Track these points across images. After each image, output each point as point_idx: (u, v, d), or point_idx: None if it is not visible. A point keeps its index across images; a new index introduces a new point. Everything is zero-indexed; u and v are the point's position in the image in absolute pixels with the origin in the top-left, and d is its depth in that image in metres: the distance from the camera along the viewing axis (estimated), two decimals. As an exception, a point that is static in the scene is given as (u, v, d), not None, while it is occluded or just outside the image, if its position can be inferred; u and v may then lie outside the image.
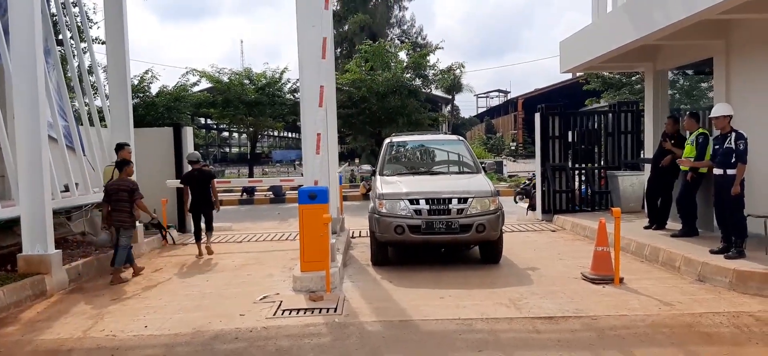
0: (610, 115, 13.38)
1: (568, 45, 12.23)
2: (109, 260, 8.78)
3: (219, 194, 10.40)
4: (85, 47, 11.98)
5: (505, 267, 8.21)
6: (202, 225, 10.03)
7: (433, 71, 26.08)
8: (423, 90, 25.92)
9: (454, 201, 7.92)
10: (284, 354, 5.06)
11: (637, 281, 7.12)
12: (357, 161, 29.50)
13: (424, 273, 7.95)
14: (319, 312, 6.17)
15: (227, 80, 24.77)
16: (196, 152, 11.02)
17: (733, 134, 7.34)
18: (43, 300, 7.09)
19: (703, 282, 6.97)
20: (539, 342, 5.21)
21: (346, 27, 48.52)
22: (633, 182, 11.90)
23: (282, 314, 6.16)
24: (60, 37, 11.83)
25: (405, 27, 55.49)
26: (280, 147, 62.08)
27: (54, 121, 9.40)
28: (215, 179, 10.38)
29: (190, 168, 10.19)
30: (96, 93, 12.41)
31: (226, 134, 59.29)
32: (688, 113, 9.33)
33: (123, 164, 8.55)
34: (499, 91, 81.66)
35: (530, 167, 26.55)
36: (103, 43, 12.13)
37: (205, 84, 25.70)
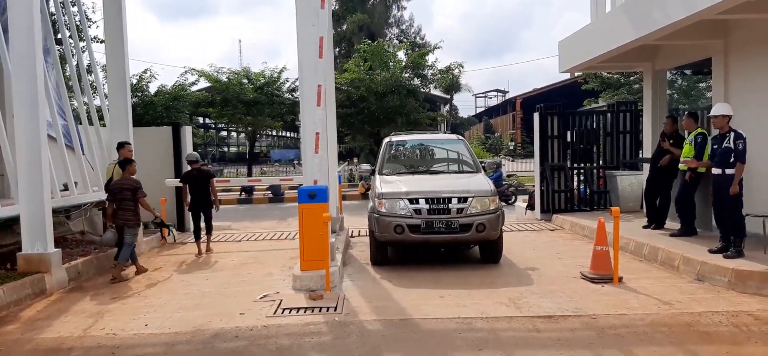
0: (609, 115, 13.41)
1: (567, 45, 12.25)
2: (108, 259, 8.81)
3: (218, 194, 10.43)
4: (84, 46, 11.98)
5: (504, 267, 8.22)
6: (202, 225, 10.10)
7: (431, 71, 26.12)
8: (421, 90, 25.96)
9: (454, 201, 7.90)
10: (284, 353, 5.07)
11: (636, 280, 7.14)
12: (355, 160, 29.50)
13: (424, 272, 7.96)
14: (319, 311, 6.18)
15: (226, 80, 24.80)
16: (195, 152, 11.09)
17: (732, 134, 7.37)
18: (43, 299, 7.08)
19: (702, 282, 6.99)
20: (539, 341, 5.22)
21: (345, 27, 48.49)
22: (631, 182, 11.93)
23: (282, 313, 6.17)
24: (59, 36, 11.82)
25: (403, 27, 55.49)
26: (279, 147, 62.09)
27: (53, 120, 9.39)
28: (214, 179, 10.43)
29: (189, 168, 10.21)
30: (95, 92, 12.40)
31: (224, 133, 59.29)
32: (686, 112, 9.35)
33: (126, 163, 8.60)
34: (497, 91, 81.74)
35: (529, 167, 26.58)
36: (102, 42, 12.14)
37: (203, 83, 25.74)
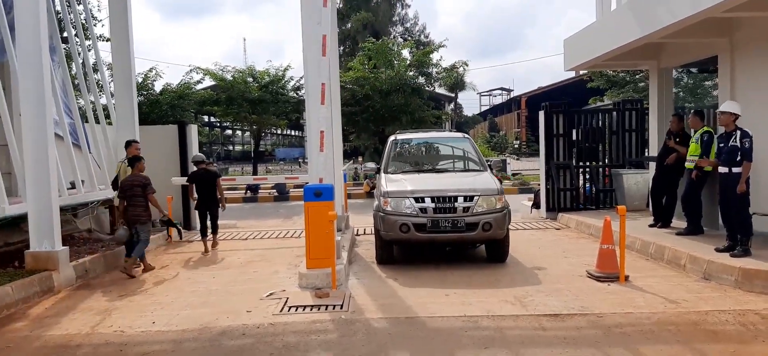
0: (615, 113, 13.37)
1: (573, 43, 12.23)
2: (115, 256, 8.89)
3: (224, 192, 10.51)
4: (89, 45, 12.02)
5: (510, 265, 8.21)
6: (208, 223, 10.21)
7: (436, 69, 26.12)
8: (426, 88, 25.93)
9: (460, 199, 7.86)
10: (291, 350, 5.09)
11: (642, 279, 7.13)
12: (360, 159, 29.54)
13: (429, 270, 7.96)
14: (326, 309, 6.20)
15: (231, 78, 24.82)
16: (200, 153, 11.17)
17: (739, 132, 7.35)
18: (51, 297, 7.12)
19: (708, 280, 6.98)
20: (545, 339, 5.22)
21: (349, 25, 48.51)
22: (637, 181, 11.90)
23: (288, 310, 6.19)
24: (65, 34, 11.87)
25: (408, 25, 55.46)
26: (284, 145, 62.17)
27: (60, 118, 9.45)
28: (220, 178, 10.50)
29: (195, 169, 10.31)
30: (101, 91, 12.47)
31: (229, 132, 59.39)
32: (692, 111, 9.32)
33: (135, 161, 8.68)
34: (502, 89, 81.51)
35: (534, 165, 26.54)
36: (107, 40, 12.20)
37: (208, 82, 25.76)
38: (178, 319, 6.02)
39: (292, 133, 64.43)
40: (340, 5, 47.64)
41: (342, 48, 45.66)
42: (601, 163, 13.38)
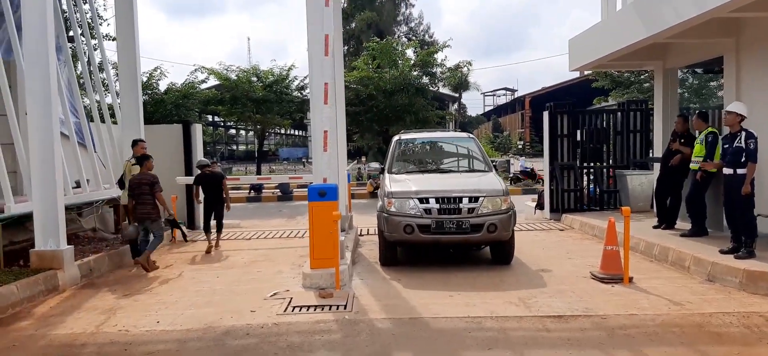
0: (619, 113, 13.35)
1: (577, 43, 12.22)
2: (119, 255, 8.94)
3: (229, 193, 10.67)
4: (95, 44, 12.06)
5: (514, 266, 8.20)
6: (213, 222, 10.31)
7: (440, 69, 26.07)
8: (430, 88, 25.90)
9: (465, 200, 7.78)
10: (295, 350, 5.10)
11: (646, 280, 7.11)
12: (364, 159, 29.53)
13: (433, 270, 7.97)
14: (329, 309, 6.21)
15: (235, 78, 24.85)
16: (204, 158, 11.30)
17: (744, 133, 7.33)
18: (56, 295, 7.15)
19: (712, 282, 6.96)
20: (549, 340, 5.22)
21: (353, 24, 48.51)
22: (642, 182, 11.88)
23: (292, 310, 6.20)
24: (71, 34, 11.92)
25: (412, 24, 55.43)
26: (287, 145, 62.25)
27: (65, 118, 9.49)
28: (225, 179, 10.66)
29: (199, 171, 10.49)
30: (106, 90, 12.51)
31: (233, 131, 59.50)
32: (696, 113, 9.29)
33: (143, 159, 8.77)
34: (506, 89, 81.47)
35: (538, 166, 26.49)
36: (113, 40, 12.24)
37: (213, 81, 25.81)
38: (182, 319, 6.04)
39: (296, 133, 64.54)
40: (345, 5, 47.68)
41: (346, 48, 45.62)
42: (605, 164, 13.35)
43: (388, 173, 9.17)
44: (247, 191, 21.63)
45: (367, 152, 30.23)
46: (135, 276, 8.20)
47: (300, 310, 6.21)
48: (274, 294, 6.88)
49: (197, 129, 13.07)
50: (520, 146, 54.38)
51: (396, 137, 10.33)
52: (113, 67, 15.18)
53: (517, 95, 74.21)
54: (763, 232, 7.57)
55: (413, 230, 7.72)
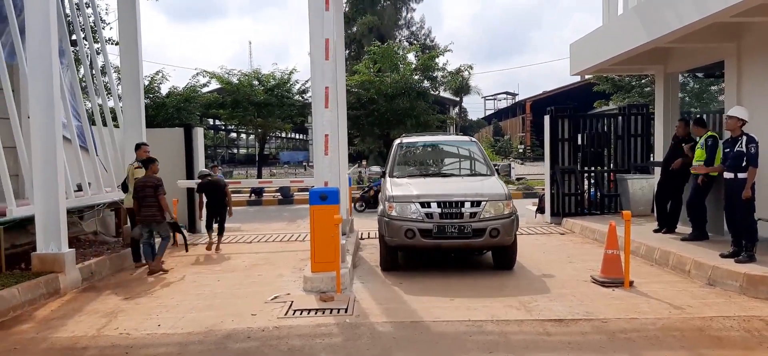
0: (620, 118, 13.36)
1: (579, 48, 12.24)
2: (120, 259, 8.96)
3: (232, 201, 11.01)
4: (98, 48, 12.10)
5: (514, 270, 8.18)
6: (215, 225, 10.56)
7: (441, 73, 26.11)
8: (431, 92, 25.94)
9: (467, 205, 7.69)
10: (296, 354, 5.11)
11: (647, 284, 7.12)
12: (364, 162, 29.56)
13: (434, 274, 7.96)
14: (330, 313, 6.21)
15: (236, 81, 24.91)
16: (205, 169, 11.51)
17: (745, 138, 7.34)
18: (57, 299, 7.16)
19: (713, 286, 6.96)
20: (549, 344, 5.23)
21: (355, 28, 48.63)
22: (643, 186, 11.88)
23: (293, 314, 6.21)
24: (73, 37, 11.96)
25: (413, 28, 55.55)
26: (288, 148, 62.28)
27: (68, 121, 9.52)
28: (227, 187, 10.90)
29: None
30: (109, 93, 12.53)
31: (234, 135, 59.53)
32: (693, 121, 9.31)
33: (148, 162, 8.85)
34: (506, 93, 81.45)
35: (538, 170, 26.51)
36: (116, 44, 12.27)
37: (214, 85, 25.87)
38: (183, 322, 6.05)
39: (297, 136, 64.58)
40: (346, 9, 47.78)
41: (347, 52, 45.73)
42: (606, 168, 13.36)
43: (389, 176, 9.12)
44: (248, 194, 21.67)
45: (368, 156, 30.25)
46: (136, 279, 8.22)
47: (301, 313, 6.21)
48: (275, 297, 6.88)
49: (199, 132, 13.09)
50: (520, 150, 54.36)
51: (397, 141, 10.24)
52: (115, 71, 15.25)
53: (518, 98, 74.24)
54: (763, 236, 7.57)
55: (414, 234, 7.64)
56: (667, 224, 9.65)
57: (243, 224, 14.16)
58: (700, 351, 4.96)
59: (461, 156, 10.20)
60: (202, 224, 11.27)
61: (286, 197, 21.11)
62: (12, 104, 8.43)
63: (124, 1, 10.75)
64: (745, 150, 7.25)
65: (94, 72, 11.36)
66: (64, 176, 8.04)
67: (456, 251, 8.44)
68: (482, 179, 8.88)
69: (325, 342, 5.37)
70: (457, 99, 52.46)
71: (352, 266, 8.18)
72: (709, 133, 8.76)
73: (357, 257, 9.36)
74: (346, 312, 6.23)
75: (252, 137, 47.58)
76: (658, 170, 10.69)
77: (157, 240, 8.76)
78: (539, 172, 25.39)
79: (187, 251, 9.58)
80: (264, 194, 21.57)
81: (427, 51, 31.99)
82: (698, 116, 10.12)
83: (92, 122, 10.91)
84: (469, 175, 9.52)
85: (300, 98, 26.23)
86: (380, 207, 8.43)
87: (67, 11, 10.91)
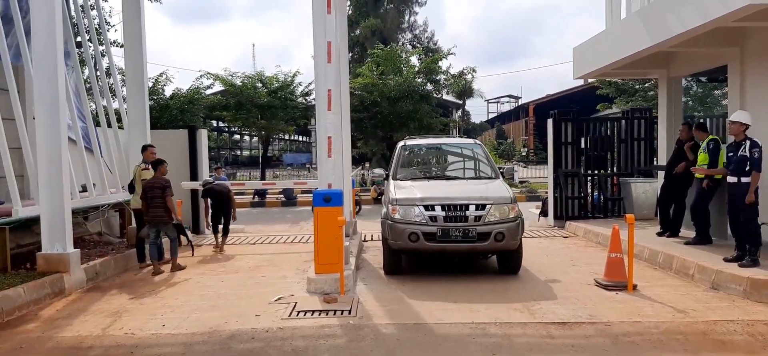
0: (623, 121, 13.37)
1: (582, 51, 12.25)
2: (125, 259, 9.00)
3: (236, 206, 11.18)
4: (103, 50, 12.15)
5: (518, 274, 8.15)
6: (220, 227, 10.69)
7: (444, 76, 26.13)
8: (434, 95, 25.96)
9: (472, 208, 7.60)
10: (300, 354, 5.13)
11: (650, 288, 7.12)
12: (367, 165, 29.59)
13: (437, 276, 7.98)
14: (334, 314, 6.23)
15: (240, 84, 24.95)
16: (209, 178, 11.66)
17: (748, 142, 7.35)
18: (62, 298, 7.20)
19: (717, 290, 6.96)
20: (553, 346, 5.24)
21: (358, 31, 48.66)
22: (646, 189, 11.88)
23: (297, 315, 6.23)
24: (78, 39, 12.01)
25: (417, 32, 55.50)
26: (291, 150, 62.32)
27: (73, 122, 9.57)
28: (232, 193, 11.07)
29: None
30: (113, 95, 12.59)
31: (237, 137, 59.60)
32: (694, 125, 9.32)
33: (158, 163, 8.93)
34: (509, 96, 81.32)
35: (542, 173, 26.49)
36: (120, 46, 12.32)
37: (218, 87, 25.92)
38: (187, 322, 6.08)
39: (300, 138, 64.61)
40: (350, 12, 47.86)
41: (351, 54, 45.78)
42: (609, 171, 13.36)
43: (392, 179, 9.06)
44: (252, 195, 21.71)
45: (371, 158, 30.29)
46: (140, 280, 8.26)
47: (305, 315, 6.23)
48: (279, 298, 6.91)
49: (203, 134, 13.13)
50: (523, 154, 54.32)
51: (401, 143, 10.18)
52: (120, 73, 15.31)
53: (520, 102, 74.12)
54: (767, 240, 7.56)
55: (418, 238, 7.57)
56: (670, 228, 9.65)
57: (246, 225, 14.18)
58: (703, 355, 4.97)
59: (465, 159, 10.15)
60: (209, 230, 11.41)
61: (289, 198, 21.14)
62: (17, 105, 8.48)
63: (128, 3, 10.81)
64: (748, 155, 7.26)
65: (98, 74, 11.41)
66: (69, 177, 8.08)
67: (460, 255, 8.36)
68: (487, 182, 8.84)
69: (329, 343, 5.39)
70: (460, 102, 52.44)
71: (355, 267, 8.20)
72: (711, 136, 8.77)
73: (360, 259, 9.37)
74: (349, 313, 6.25)
75: (255, 139, 47.67)
76: (661, 173, 10.68)
77: (164, 240, 8.83)
78: (542, 175, 25.36)
79: (193, 254, 9.62)
80: (267, 196, 21.61)
81: (430, 54, 32.05)
82: (700, 120, 10.13)
83: (97, 124, 10.95)
84: (473, 178, 9.45)
85: (303, 101, 26.25)
86: (383, 210, 8.39)
87: (72, 13, 10.97)
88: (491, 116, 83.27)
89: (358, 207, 17.04)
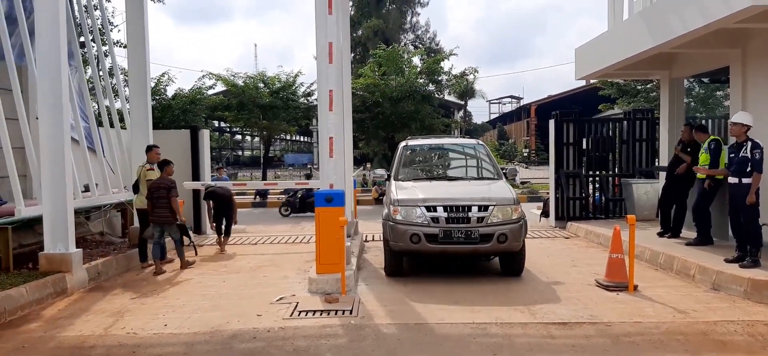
0: (625, 122, 13.37)
1: (584, 52, 12.26)
2: (127, 259, 9.03)
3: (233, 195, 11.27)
4: (106, 50, 12.18)
5: (520, 275, 8.19)
6: (222, 228, 10.83)
7: (446, 77, 26.12)
8: (436, 96, 25.95)
9: (474, 209, 7.52)
10: (302, 354, 5.15)
11: (651, 288, 7.13)
12: (369, 165, 29.61)
13: (438, 276, 8.00)
14: (335, 314, 6.25)
15: (242, 84, 24.97)
16: (211, 182, 11.69)
17: (749, 143, 7.36)
18: (64, 298, 7.22)
19: (717, 291, 6.97)
20: (554, 346, 5.25)
21: (360, 32, 48.72)
22: (647, 190, 11.88)
23: (298, 315, 6.25)
24: (81, 39, 12.05)
25: (418, 32, 55.61)
26: (293, 151, 62.40)
27: (76, 123, 9.60)
28: (233, 197, 11.20)
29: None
30: (116, 96, 12.61)
31: (239, 137, 59.69)
32: (695, 127, 9.33)
33: (164, 164, 9.03)
34: (511, 97, 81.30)
35: (543, 174, 26.50)
36: (123, 46, 12.35)
37: (220, 87, 25.95)
38: (189, 322, 6.10)
39: (301, 139, 64.69)
40: (352, 12, 47.88)
41: (353, 55, 45.77)
42: (610, 172, 13.37)
43: (394, 179, 8.97)
44: (253, 196, 21.73)
45: (372, 159, 30.31)
46: (142, 280, 8.28)
47: (306, 314, 6.25)
48: (281, 298, 6.93)
49: (205, 135, 13.15)
50: (525, 154, 54.31)
51: (402, 143, 10.10)
52: (122, 73, 15.34)
53: (522, 103, 74.07)
54: (768, 241, 7.58)
55: (420, 239, 7.49)
56: (671, 229, 9.66)
57: (247, 225, 14.20)
58: (704, 355, 4.98)
59: (468, 159, 10.06)
60: (213, 231, 11.57)
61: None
62: (21, 105, 8.51)
63: (131, 3, 10.84)
64: (749, 156, 7.27)
65: (101, 74, 11.44)
66: (71, 177, 8.11)
67: (462, 257, 8.29)
68: (489, 183, 8.75)
69: (331, 342, 5.41)
70: (462, 103, 52.43)
71: (356, 268, 8.21)
72: (712, 137, 8.78)
73: (361, 259, 9.39)
74: (350, 313, 6.27)
75: (257, 139, 47.74)
76: (662, 174, 10.69)
77: (167, 240, 8.91)
78: (544, 176, 25.38)
79: (196, 254, 9.65)
80: (268, 196, 21.62)
81: (432, 55, 32.05)
82: (700, 122, 10.14)
83: (99, 124, 10.98)
84: (475, 178, 9.33)
85: (305, 101, 26.26)
86: (385, 211, 8.32)
87: (76, 13, 11.01)
88: (493, 116, 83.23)
89: (287, 208, 17.28)
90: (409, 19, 55.51)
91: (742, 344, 5.24)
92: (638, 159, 13.05)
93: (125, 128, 11.52)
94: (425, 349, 5.26)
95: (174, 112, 21.06)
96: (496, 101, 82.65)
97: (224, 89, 25.96)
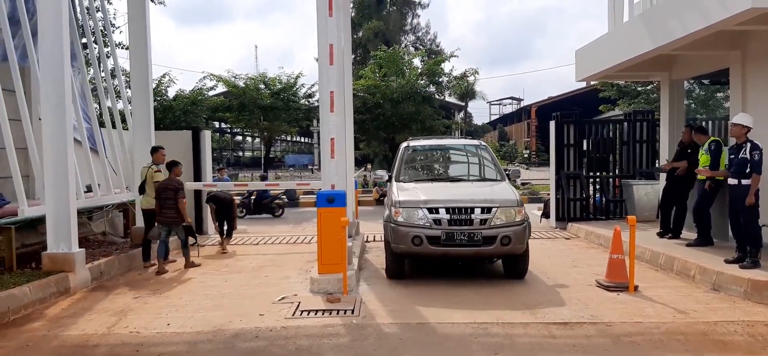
0: (626, 123, 13.40)
1: (584, 54, 12.29)
2: (129, 259, 9.07)
3: (233, 196, 11.50)
4: (108, 51, 12.22)
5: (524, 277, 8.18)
6: (224, 229, 10.93)
7: (446, 78, 26.14)
8: (437, 97, 25.97)
9: (477, 211, 7.42)
10: (304, 353, 5.18)
11: (651, 289, 7.16)
12: (369, 166, 29.62)
13: (440, 277, 8.02)
14: (337, 314, 6.28)
15: (243, 85, 25.03)
16: (213, 189, 11.74)
17: (749, 145, 7.39)
18: (67, 297, 7.26)
19: (717, 291, 7.00)
20: (555, 346, 5.28)
21: (361, 33, 48.76)
22: (647, 191, 11.91)
23: (300, 314, 6.28)
24: (84, 41, 12.09)
25: (419, 34, 55.62)
26: (293, 152, 62.39)
27: (78, 123, 9.63)
28: (234, 201, 11.41)
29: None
30: (118, 97, 12.65)
31: (240, 138, 59.72)
32: (694, 129, 9.35)
33: (172, 165, 9.09)
34: (512, 98, 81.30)
35: (543, 175, 26.51)
36: (125, 47, 12.38)
37: (221, 88, 26.02)
38: (192, 321, 6.13)
39: (302, 140, 64.69)
40: (353, 14, 47.93)
41: (353, 57, 45.84)
42: (611, 173, 13.40)
43: (395, 181, 8.83)
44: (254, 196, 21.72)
45: (373, 160, 30.32)
46: (145, 279, 8.32)
47: (308, 314, 6.29)
48: (283, 298, 6.96)
49: (206, 135, 13.18)
50: (526, 155, 54.32)
51: (404, 144, 9.97)
52: (124, 74, 15.38)
53: (523, 104, 74.05)
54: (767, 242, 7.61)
55: (422, 241, 7.38)
56: (671, 230, 9.69)
57: (249, 226, 14.23)
58: (704, 355, 5.01)
59: (470, 160, 9.95)
60: (208, 224, 11.70)
61: (291, 199, 21.16)
62: (24, 106, 8.54)
63: (134, 5, 10.87)
64: (749, 157, 7.31)
65: (103, 75, 11.47)
66: (74, 178, 8.14)
67: (466, 259, 8.21)
68: (492, 185, 8.64)
69: (333, 342, 5.44)
70: (463, 104, 52.41)
71: (358, 268, 8.24)
72: (712, 138, 8.81)
73: (363, 259, 9.41)
74: (352, 313, 6.30)
75: (258, 140, 47.78)
76: (663, 175, 10.71)
77: (172, 238, 9.00)
78: (544, 177, 25.39)
79: (198, 254, 9.68)
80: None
81: (433, 56, 32.07)
82: (700, 124, 10.17)
83: (102, 124, 11.02)
84: (478, 180, 9.22)
85: (306, 102, 26.33)
86: (386, 212, 8.23)
87: (78, 15, 11.05)
88: (493, 117, 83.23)
89: (242, 209, 17.26)
90: (409, 20, 55.55)
91: (742, 344, 5.27)
92: (639, 160, 13.08)
93: (127, 129, 11.55)
94: (427, 348, 5.29)
95: (175, 113, 21.13)
96: (496, 103, 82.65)
97: (225, 90, 26.04)
